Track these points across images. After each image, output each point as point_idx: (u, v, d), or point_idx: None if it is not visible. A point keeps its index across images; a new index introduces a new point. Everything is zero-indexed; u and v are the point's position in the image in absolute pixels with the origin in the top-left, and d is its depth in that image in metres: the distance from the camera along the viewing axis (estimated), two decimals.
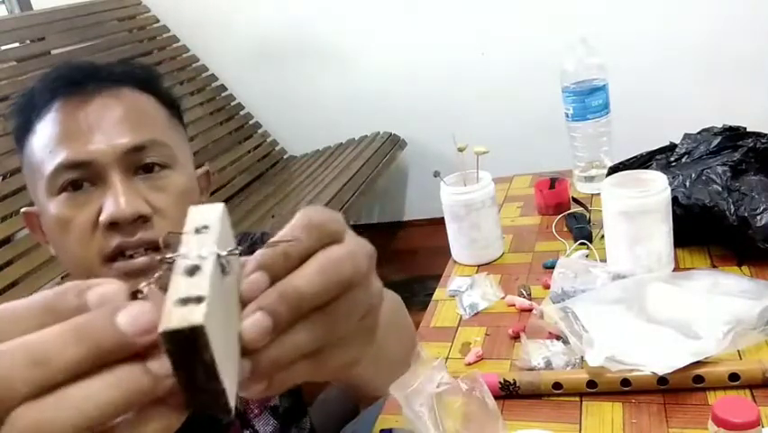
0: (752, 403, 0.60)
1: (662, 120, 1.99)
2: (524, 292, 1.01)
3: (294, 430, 0.83)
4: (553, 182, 1.26)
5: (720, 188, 0.96)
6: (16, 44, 2.43)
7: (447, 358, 0.91)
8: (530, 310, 0.95)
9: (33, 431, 0.25)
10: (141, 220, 0.65)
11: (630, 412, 0.73)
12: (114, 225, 0.64)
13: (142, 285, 0.30)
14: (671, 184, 0.95)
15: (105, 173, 0.66)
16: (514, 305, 0.98)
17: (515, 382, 0.78)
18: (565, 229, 1.18)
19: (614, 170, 1.09)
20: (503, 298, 1.01)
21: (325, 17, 2.76)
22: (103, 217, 0.64)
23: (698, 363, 0.74)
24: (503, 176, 1.44)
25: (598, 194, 1.16)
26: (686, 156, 1.09)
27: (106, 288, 0.29)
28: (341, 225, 0.34)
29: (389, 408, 0.80)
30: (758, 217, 0.93)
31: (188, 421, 0.29)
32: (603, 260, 1.01)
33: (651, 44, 2.36)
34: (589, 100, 1.23)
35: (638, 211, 0.92)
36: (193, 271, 0.28)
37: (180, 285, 0.28)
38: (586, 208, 1.20)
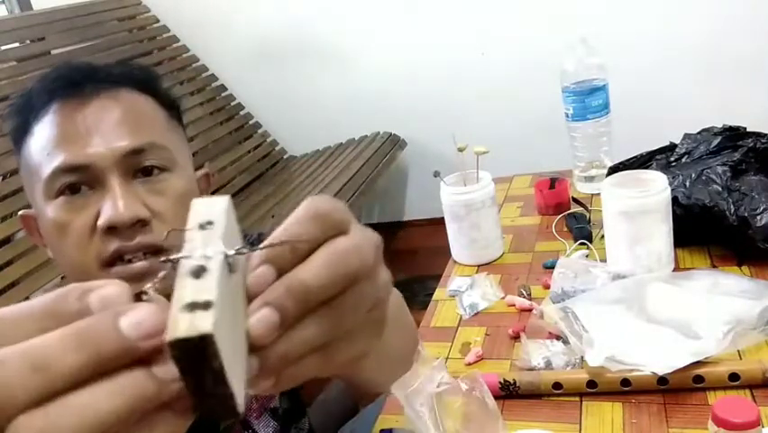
0: (752, 403, 0.60)
1: (662, 120, 1.99)
2: (524, 292, 1.01)
3: (293, 431, 0.83)
4: (553, 182, 1.26)
5: (720, 188, 0.96)
6: (16, 44, 2.42)
7: (447, 358, 0.91)
8: (530, 310, 0.95)
9: None
10: (140, 224, 0.64)
11: (630, 412, 0.73)
12: (112, 230, 0.64)
13: (146, 286, 0.29)
14: (671, 184, 0.95)
15: (104, 177, 0.65)
16: (514, 305, 0.98)
17: (515, 382, 0.78)
18: (565, 229, 1.18)
19: (614, 170, 1.09)
20: (503, 298, 1.01)
21: (325, 17, 2.76)
22: (101, 222, 0.63)
23: (698, 363, 0.74)
24: (503, 176, 1.44)
25: (598, 194, 1.16)
26: (686, 156, 1.09)
27: (109, 290, 0.28)
28: (347, 216, 0.33)
29: (389, 408, 0.80)
30: (758, 217, 0.93)
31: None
32: (603, 260, 1.01)
33: (651, 44, 2.36)
34: (589, 100, 1.23)
35: (638, 211, 0.92)
36: (199, 272, 0.27)
37: (186, 288, 0.26)
38: (586, 208, 1.20)
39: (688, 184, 0.99)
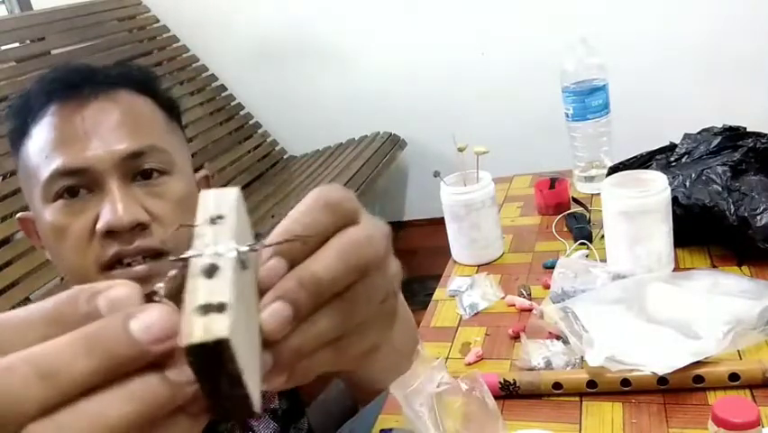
0: (752, 403, 0.60)
1: (662, 120, 1.99)
2: (524, 292, 1.01)
3: (292, 431, 0.83)
4: (553, 182, 1.26)
5: (720, 188, 0.96)
6: (16, 44, 2.42)
7: (447, 358, 0.91)
8: (530, 310, 0.95)
9: None
10: (140, 228, 0.64)
11: (630, 412, 0.73)
12: (111, 234, 0.63)
13: (158, 286, 0.28)
14: (671, 184, 0.95)
15: (103, 180, 0.64)
16: (514, 305, 0.98)
17: (515, 382, 0.78)
18: (565, 229, 1.18)
19: (614, 170, 1.09)
20: (503, 298, 1.01)
21: (325, 17, 2.76)
22: (100, 225, 0.63)
23: (698, 363, 0.74)
24: (503, 176, 1.44)
25: (598, 194, 1.16)
26: (686, 156, 1.09)
27: (118, 291, 0.27)
28: (356, 205, 0.33)
29: (389, 408, 0.80)
30: (758, 217, 0.93)
31: None
32: (603, 260, 1.01)
33: (651, 44, 2.36)
34: (589, 100, 1.23)
35: (638, 211, 0.92)
36: (211, 271, 0.26)
37: (199, 289, 0.25)
38: (586, 208, 1.20)
39: (688, 184, 0.99)
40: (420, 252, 2.71)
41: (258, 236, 0.31)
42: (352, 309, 0.31)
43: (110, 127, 0.66)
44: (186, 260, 0.27)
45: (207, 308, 0.24)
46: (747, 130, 1.08)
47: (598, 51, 1.24)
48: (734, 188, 0.96)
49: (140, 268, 0.64)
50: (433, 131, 2.66)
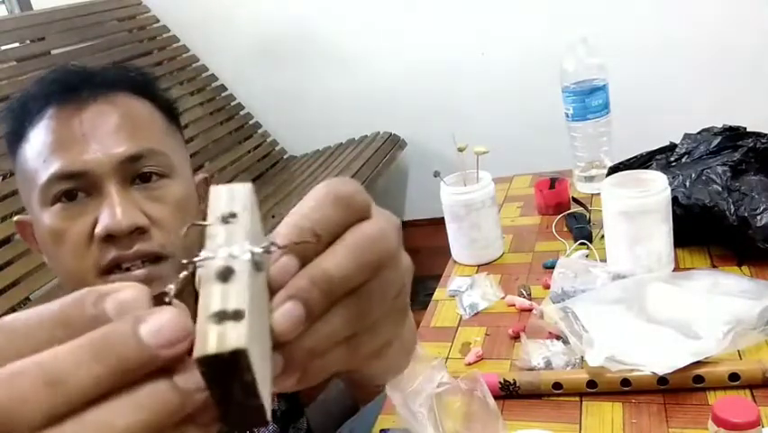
0: (752, 403, 0.60)
1: (662, 120, 1.99)
2: (524, 292, 1.01)
3: (291, 431, 0.83)
4: (553, 182, 1.26)
5: (720, 188, 0.96)
6: (16, 44, 2.42)
7: (447, 358, 0.91)
8: (530, 310, 0.95)
9: None
10: (138, 232, 0.63)
11: (630, 412, 0.73)
12: (110, 238, 0.63)
13: (168, 287, 0.27)
14: (671, 184, 0.95)
15: (101, 184, 0.64)
16: (514, 305, 0.98)
17: (515, 382, 0.78)
18: (565, 229, 1.18)
19: (614, 170, 1.09)
20: (503, 298, 1.01)
21: (325, 18, 2.75)
22: (98, 230, 0.62)
23: (698, 363, 0.74)
24: (503, 176, 1.44)
25: (598, 194, 1.16)
26: (686, 156, 1.09)
27: (126, 294, 0.26)
28: (367, 198, 0.31)
29: (389, 407, 0.80)
30: (758, 217, 0.93)
31: None
32: (603, 260, 1.01)
33: (651, 44, 2.35)
34: (589, 100, 1.23)
35: (638, 211, 0.92)
36: (226, 275, 0.25)
37: (214, 294, 0.24)
38: (586, 208, 1.20)
39: (688, 184, 0.99)
40: (420, 252, 2.70)
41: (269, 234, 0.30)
42: (366, 307, 0.30)
43: (108, 130, 0.65)
44: (195, 262, 0.26)
45: (223, 316, 0.23)
46: (747, 130, 1.08)
47: (598, 51, 1.24)
48: (734, 188, 0.96)
49: (139, 272, 0.64)
50: (433, 131, 2.66)
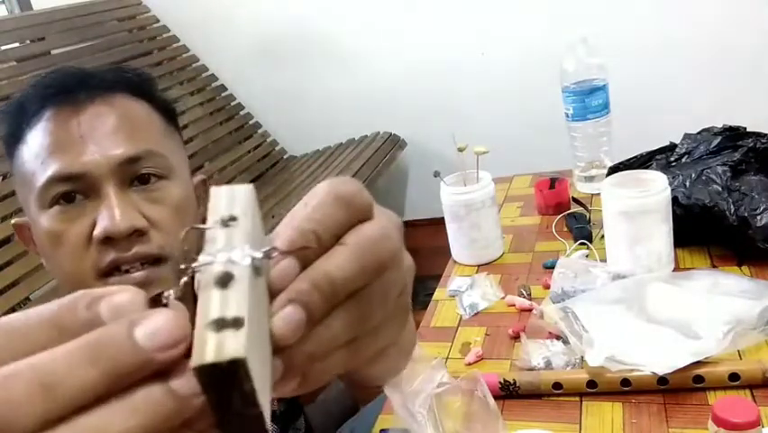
0: (752, 403, 0.60)
1: (662, 120, 1.99)
2: (524, 292, 1.01)
3: (290, 432, 0.83)
4: (553, 182, 1.26)
5: (720, 188, 0.96)
6: (16, 44, 2.42)
7: (447, 358, 0.91)
8: (530, 310, 0.95)
9: None
10: (137, 234, 0.63)
11: (630, 412, 0.73)
12: (108, 240, 0.62)
13: (167, 293, 0.26)
14: (671, 184, 0.95)
15: (99, 185, 0.64)
16: (514, 305, 0.98)
17: (515, 382, 0.78)
18: (565, 229, 1.18)
19: (614, 170, 1.09)
20: (503, 298, 1.01)
21: (325, 18, 2.75)
22: (97, 232, 0.62)
23: (698, 363, 0.74)
24: (503, 176, 1.44)
25: (598, 194, 1.16)
26: (686, 156, 1.09)
27: (122, 297, 0.25)
28: (368, 198, 0.31)
29: (389, 408, 0.80)
30: (758, 217, 0.93)
31: None
32: (603, 260, 1.01)
33: (651, 44, 2.35)
34: (589, 100, 1.23)
35: (638, 211, 0.92)
36: (225, 280, 0.24)
37: (212, 301, 0.23)
38: (586, 208, 1.20)
39: (688, 184, 0.99)
40: (420, 252, 2.70)
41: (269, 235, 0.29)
42: (368, 309, 0.29)
43: (106, 132, 0.65)
44: (196, 267, 0.25)
45: (221, 323, 0.23)
46: (747, 130, 1.08)
47: (598, 51, 1.24)
48: (734, 188, 0.96)
49: (138, 275, 0.63)
50: (433, 131, 2.66)
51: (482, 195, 1.11)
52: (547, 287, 0.99)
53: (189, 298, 0.24)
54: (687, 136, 1.12)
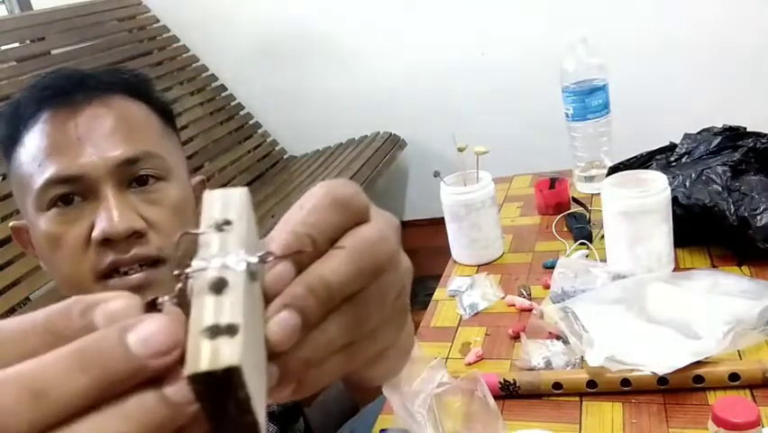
0: (752, 403, 0.60)
1: (662, 120, 1.99)
2: (524, 292, 1.01)
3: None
4: (553, 182, 1.26)
5: (720, 188, 0.96)
6: (16, 44, 2.42)
7: (447, 358, 0.91)
8: (530, 310, 0.95)
9: None
10: (136, 236, 0.63)
11: (630, 412, 0.73)
12: (107, 242, 0.62)
13: (161, 298, 0.25)
14: (671, 184, 0.95)
15: (97, 187, 0.63)
16: (514, 305, 0.98)
17: (515, 382, 0.78)
18: (565, 229, 1.18)
19: (614, 170, 1.09)
20: (503, 298, 1.01)
21: (325, 18, 2.76)
22: (95, 234, 0.62)
23: (698, 363, 0.74)
24: (503, 176, 1.44)
25: (598, 194, 1.16)
26: (686, 156, 1.09)
27: (116, 304, 0.24)
28: (365, 201, 0.30)
29: (389, 408, 0.80)
30: (758, 217, 0.93)
31: None
32: (603, 260, 1.01)
33: (651, 44, 2.36)
34: (589, 100, 1.23)
35: (638, 211, 0.92)
36: (220, 286, 0.23)
37: (207, 307, 0.23)
38: (586, 208, 1.20)
39: (688, 184, 0.99)
40: (420, 252, 2.71)
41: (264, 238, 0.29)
42: (365, 313, 0.29)
43: (104, 133, 0.64)
44: (189, 273, 0.24)
45: (216, 331, 0.22)
46: (747, 130, 1.08)
47: (598, 51, 1.24)
48: (734, 188, 0.96)
49: (137, 276, 0.63)
50: (433, 131, 2.67)
51: (482, 195, 1.11)
52: (547, 287, 0.99)
53: (185, 303, 0.24)
54: (687, 136, 1.12)
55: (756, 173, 0.99)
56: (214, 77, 2.95)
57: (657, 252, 0.94)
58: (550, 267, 1.04)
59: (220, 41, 2.92)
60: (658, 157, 1.13)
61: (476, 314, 0.99)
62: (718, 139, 1.06)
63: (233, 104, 2.97)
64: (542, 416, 0.76)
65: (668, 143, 1.15)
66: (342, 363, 0.29)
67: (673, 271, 0.96)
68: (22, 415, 0.21)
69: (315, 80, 2.87)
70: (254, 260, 0.25)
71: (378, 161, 2.53)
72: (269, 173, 2.85)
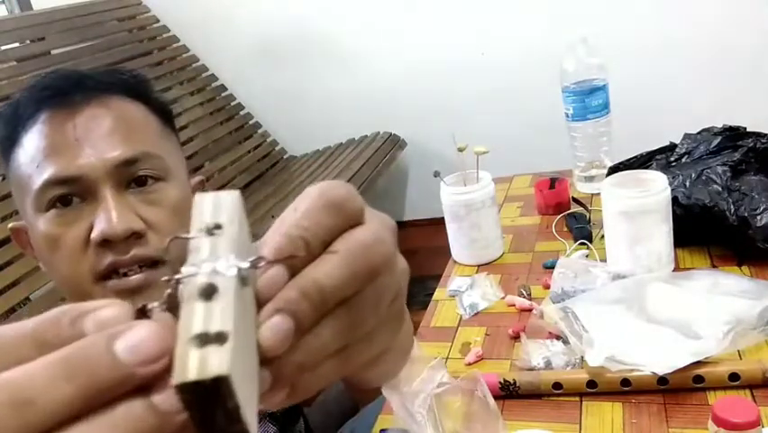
0: (752, 403, 0.60)
1: (662, 120, 1.99)
2: (524, 292, 1.01)
3: None
4: (553, 182, 1.26)
5: (720, 188, 0.96)
6: (16, 44, 2.42)
7: (447, 358, 0.91)
8: (530, 310, 0.95)
9: None
10: (135, 237, 0.63)
11: (630, 412, 0.73)
12: (106, 243, 0.62)
13: (153, 305, 0.25)
14: (671, 184, 0.95)
15: (96, 188, 0.63)
16: (514, 305, 0.98)
17: (515, 382, 0.78)
18: (565, 229, 1.18)
19: (614, 170, 1.09)
20: (503, 298, 1.01)
21: (325, 18, 2.76)
22: (94, 235, 0.62)
23: (698, 363, 0.74)
24: (503, 176, 1.44)
25: (598, 194, 1.16)
26: (686, 156, 1.09)
27: (107, 312, 0.24)
28: (360, 203, 0.30)
29: (389, 408, 0.80)
30: (758, 217, 0.93)
31: None
32: (603, 260, 1.01)
33: (651, 44, 2.36)
34: (589, 100, 1.23)
35: (638, 211, 0.92)
36: (210, 292, 0.23)
37: (195, 314, 0.22)
38: (586, 208, 1.20)
39: (688, 184, 0.99)
40: (420, 252, 2.71)
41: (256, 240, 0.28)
42: (359, 317, 0.28)
43: (102, 134, 0.64)
44: (179, 279, 0.24)
45: (204, 339, 0.21)
46: (747, 130, 1.08)
47: (598, 51, 1.24)
48: (734, 188, 0.96)
49: (136, 277, 0.63)
50: (433, 131, 2.67)
51: (482, 195, 1.11)
52: (547, 287, 0.99)
53: (176, 309, 0.24)
54: (687, 136, 1.12)
55: (756, 173, 0.99)
56: (214, 77, 2.95)
57: (657, 252, 0.94)
58: (550, 267, 1.04)
59: (220, 41, 2.92)
60: (658, 157, 1.13)
61: (476, 314, 0.99)
62: (718, 139, 1.06)
63: (233, 104, 2.97)
64: (542, 416, 0.76)
65: (668, 143, 1.15)
66: (337, 366, 0.29)
67: (673, 271, 0.96)
68: (7, 424, 0.21)
69: (315, 80, 2.87)
70: (245, 265, 0.24)
71: (378, 161, 2.53)
72: (269, 173, 2.85)
